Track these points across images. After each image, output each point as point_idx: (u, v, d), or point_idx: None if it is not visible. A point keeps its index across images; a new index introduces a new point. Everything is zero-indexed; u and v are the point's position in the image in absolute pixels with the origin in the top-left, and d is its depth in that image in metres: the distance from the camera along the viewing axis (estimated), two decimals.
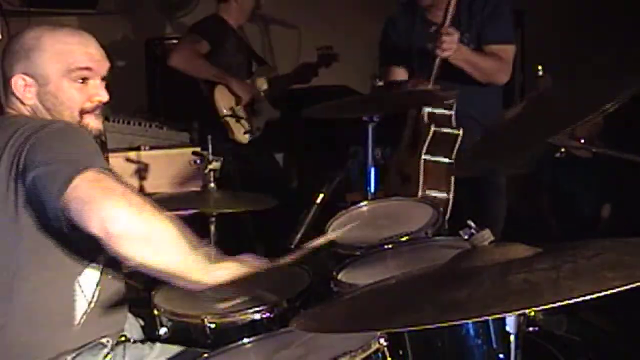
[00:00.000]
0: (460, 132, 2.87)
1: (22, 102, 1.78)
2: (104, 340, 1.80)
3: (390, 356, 1.66)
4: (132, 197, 1.53)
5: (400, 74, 3.27)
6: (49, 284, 1.71)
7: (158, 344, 1.93)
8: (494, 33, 3.13)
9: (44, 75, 1.76)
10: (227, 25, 4.15)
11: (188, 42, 4.00)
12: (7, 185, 1.64)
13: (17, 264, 1.68)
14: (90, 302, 1.76)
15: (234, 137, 4.01)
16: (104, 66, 1.82)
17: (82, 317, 1.75)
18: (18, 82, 1.77)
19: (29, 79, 1.76)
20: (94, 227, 1.48)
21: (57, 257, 1.69)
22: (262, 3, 4.32)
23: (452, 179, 2.79)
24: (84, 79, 1.79)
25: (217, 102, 4.03)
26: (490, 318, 1.66)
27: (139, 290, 2.24)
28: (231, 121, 3.99)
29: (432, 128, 2.86)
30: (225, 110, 4.02)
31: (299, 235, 2.23)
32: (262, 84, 4.30)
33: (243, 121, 4.01)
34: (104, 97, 1.82)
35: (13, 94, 1.78)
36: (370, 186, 2.86)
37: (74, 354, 1.74)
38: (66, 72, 1.77)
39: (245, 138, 4.04)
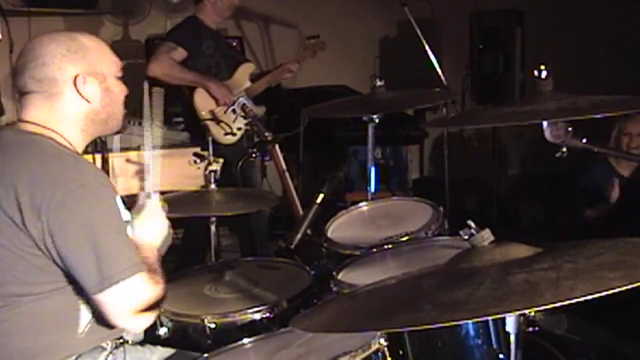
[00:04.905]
0: None
1: (86, 101, 1.78)
2: (103, 343, 1.79)
3: (390, 356, 1.66)
4: (152, 299, 1.68)
5: None
6: (54, 292, 1.70)
7: (159, 347, 1.93)
8: None
9: (99, 73, 1.81)
10: (203, 27, 4.15)
11: (164, 51, 4.04)
12: (21, 218, 1.64)
13: (22, 273, 1.68)
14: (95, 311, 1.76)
15: (215, 139, 4.01)
16: None
17: (86, 326, 1.75)
18: (87, 81, 1.77)
19: (90, 78, 1.78)
20: (117, 324, 1.69)
21: (64, 273, 1.70)
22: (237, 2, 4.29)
23: None
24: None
25: (196, 105, 4.06)
26: (490, 318, 1.66)
27: None
28: (211, 124, 4.00)
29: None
30: (204, 113, 4.04)
31: (299, 235, 2.23)
32: (243, 82, 4.29)
33: (223, 124, 4.03)
34: (126, 89, 1.92)
35: (78, 93, 1.77)
36: (370, 186, 2.86)
37: (73, 357, 1.74)
38: (114, 70, 1.86)
39: (226, 140, 4.05)
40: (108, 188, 1.76)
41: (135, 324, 1.70)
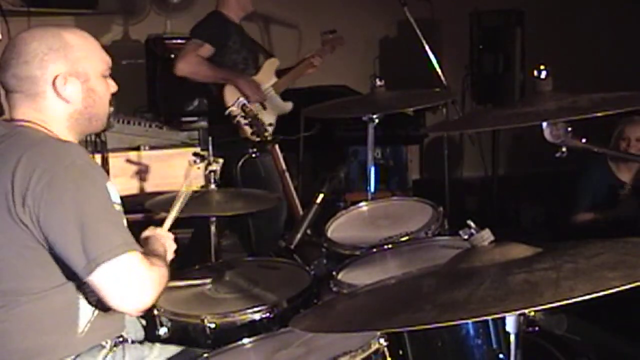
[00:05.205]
0: None
1: (66, 102, 1.76)
2: (102, 342, 1.79)
3: (390, 356, 1.66)
4: (148, 279, 1.66)
5: None
6: (54, 291, 1.70)
7: (157, 345, 1.93)
8: None
9: (82, 73, 1.77)
10: (228, 21, 4.09)
11: (191, 49, 3.98)
12: (14, 208, 1.63)
13: (21, 270, 1.68)
14: (94, 310, 1.76)
15: (246, 136, 3.97)
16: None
17: (85, 325, 1.74)
18: (67, 81, 1.75)
19: (71, 78, 1.75)
20: (114, 306, 1.65)
21: (62, 268, 1.69)
22: None
23: None
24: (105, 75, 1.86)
25: (226, 102, 4.00)
26: (490, 318, 1.66)
27: None
28: (241, 120, 3.96)
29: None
30: (234, 110, 3.99)
31: (299, 235, 2.23)
32: (270, 78, 4.26)
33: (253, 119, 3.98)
34: (115, 87, 1.89)
35: (57, 94, 1.75)
36: (370, 186, 2.86)
37: (73, 356, 1.74)
38: (100, 69, 1.81)
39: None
40: (96, 169, 1.74)
41: (132, 305, 1.65)
